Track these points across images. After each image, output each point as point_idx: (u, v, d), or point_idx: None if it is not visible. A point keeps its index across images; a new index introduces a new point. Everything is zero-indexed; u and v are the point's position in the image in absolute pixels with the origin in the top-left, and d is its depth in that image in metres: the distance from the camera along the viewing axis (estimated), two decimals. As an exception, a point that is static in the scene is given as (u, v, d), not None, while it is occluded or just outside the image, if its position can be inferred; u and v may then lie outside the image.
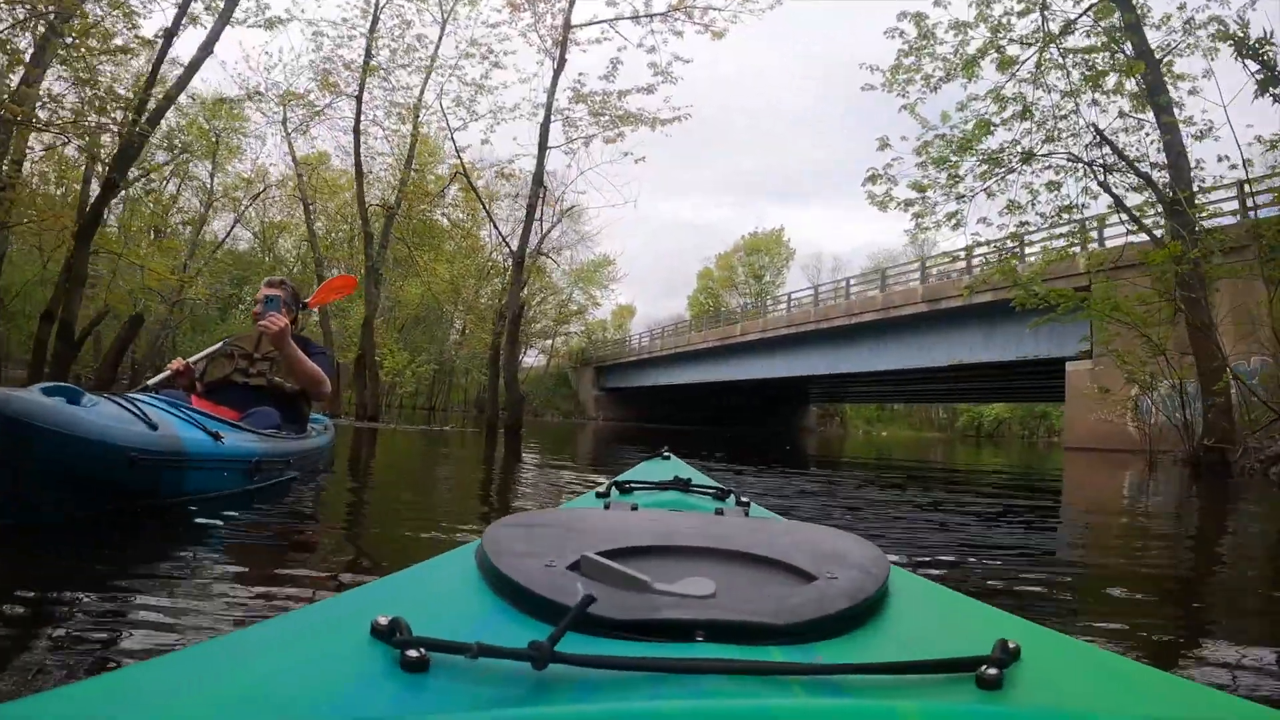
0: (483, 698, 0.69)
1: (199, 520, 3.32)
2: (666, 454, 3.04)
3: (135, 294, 38.11)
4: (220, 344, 5.21)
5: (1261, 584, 3.63)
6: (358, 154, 20.94)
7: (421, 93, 20.71)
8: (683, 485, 2.04)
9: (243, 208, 41.31)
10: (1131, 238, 15.77)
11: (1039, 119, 14.32)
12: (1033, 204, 14.91)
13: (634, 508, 1.59)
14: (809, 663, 0.76)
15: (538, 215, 20.19)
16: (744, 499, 1.84)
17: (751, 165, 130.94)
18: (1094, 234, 17.16)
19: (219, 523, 3.32)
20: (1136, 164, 13.71)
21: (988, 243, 15.95)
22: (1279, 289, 13.17)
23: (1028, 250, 16.68)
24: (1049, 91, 14.44)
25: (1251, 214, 14.88)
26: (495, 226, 22.70)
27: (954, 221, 15.11)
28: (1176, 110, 13.57)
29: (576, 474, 7.63)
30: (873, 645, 0.88)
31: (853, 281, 36.51)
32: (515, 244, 19.90)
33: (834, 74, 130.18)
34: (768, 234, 74.02)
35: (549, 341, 62.60)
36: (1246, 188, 15.24)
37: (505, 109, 20.06)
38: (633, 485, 2.05)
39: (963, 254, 16.65)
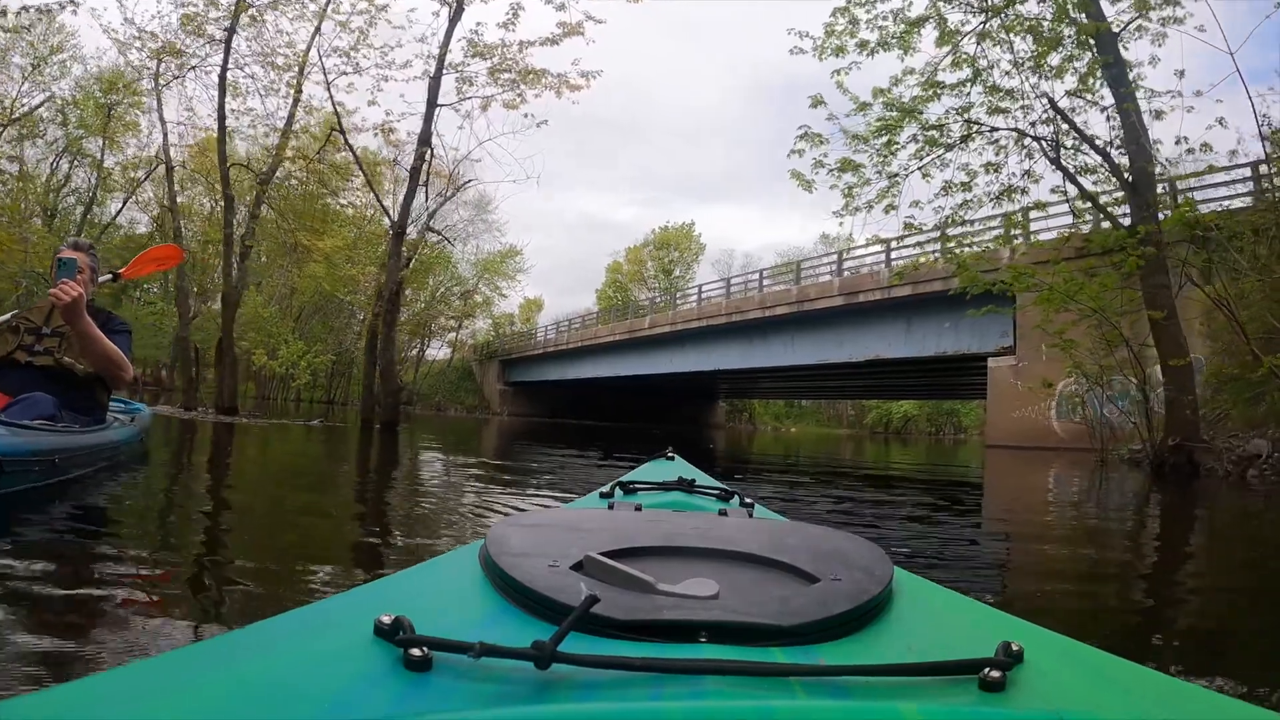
0: (485, 697, 0.70)
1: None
2: (671, 455, 2.99)
3: (16, 276, 36.01)
4: (8, 315, 4.67)
5: (1265, 589, 3.68)
6: (221, 104, 18.50)
7: (308, 49, 18.61)
8: (686, 486, 2.03)
9: (134, 187, 38.46)
10: (1080, 225, 14.76)
11: (987, 86, 13.19)
12: (969, 186, 13.83)
13: (638, 508, 1.62)
14: (811, 664, 0.77)
15: (422, 180, 18.23)
16: (748, 500, 1.83)
17: (661, 166, 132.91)
18: (1018, 228, 16.02)
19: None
20: (1094, 140, 12.70)
21: (922, 228, 14.67)
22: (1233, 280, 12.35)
23: (969, 235, 15.51)
24: (992, 66, 13.38)
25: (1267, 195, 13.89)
26: (374, 191, 20.19)
27: (886, 202, 13.92)
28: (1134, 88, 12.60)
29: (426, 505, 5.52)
30: (876, 647, 0.88)
31: (766, 274, 35.50)
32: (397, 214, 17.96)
33: (745, 79, 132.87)
34: (678, 228, 73.35)
35: (453, 335, 61.23)
36: (1264, 168, 14.32)
37: (395, 65, 17.96)
38: (636, 485, 2.06)
39: (895, 241, 15.14)
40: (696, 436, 25.85)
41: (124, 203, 40.58)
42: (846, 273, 28.55)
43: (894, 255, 25.43)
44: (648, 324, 40.69)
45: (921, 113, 13.43)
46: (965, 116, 13.44)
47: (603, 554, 1.02)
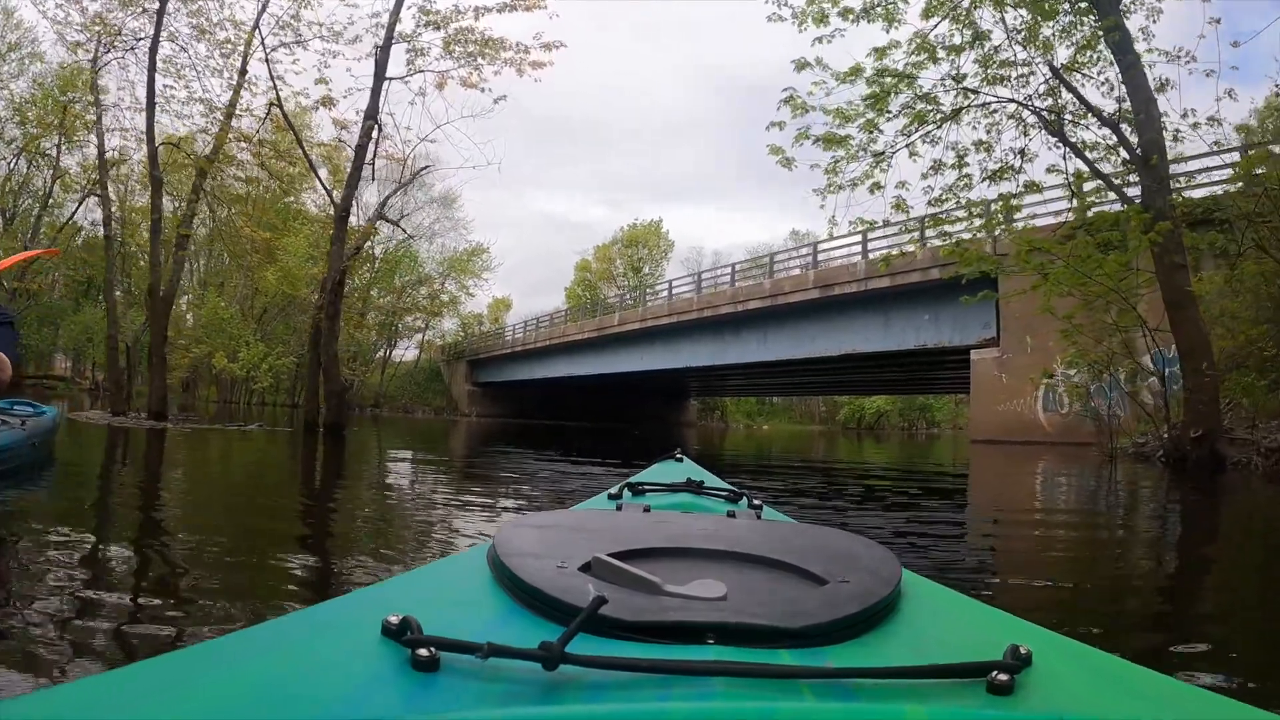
0: (493, 698, 0.70)
1: None
2: (679, 456, 2.88)
3: None
4: None
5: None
6: (151, 79, 17.15)
7: (256, 24, 17.32)
8: (695, 487, 2.03)
9: (86, 189, 36.99)
10: (1077, 206, 13.74)
11: (982, 54, 12.28)
12: (960, 164, 12.94)
13: (646, 509, 1.62)
14: (819, 666, 0.78)
15: (369, 159, 16.81)
16: (756, 502, 1.82)
17: (626, 168, 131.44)
18: (1014, 210, 14.94)
19: None
20: (1100, 112, 11.82)
21: (910, 209, 13.66)
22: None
23: (961, 215, 14.52)
24: (989, 33, 12.44)
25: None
26: (315, 173, 18.82)
27: (871, 181, 12.99)
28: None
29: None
30: (883, 649, 0.88)
31: (738, 268, 34.46)
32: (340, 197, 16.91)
33: (707, 80, 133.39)
34: (646, 225, 72.47)
35: (421, 335, 60.35)
36: None
37: (343, 40, 16.78)
38: (645, 487, 2.06)
39: (879, 224, 14.12)
40: (668, 436, 25.42)
41: (79, 203, 39.21)
42: (821, 266, 27.72)
43: (871, 247, 24.77)
44: (617, 321, 39.82)
45: (915, 78, 12.49)
46: (961, 85, 12.51)
47: (610, 555, 1.02)
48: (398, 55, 16.19)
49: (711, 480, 2.25)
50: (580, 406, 47.88)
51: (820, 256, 28.11)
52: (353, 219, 18.84)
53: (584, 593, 0.88)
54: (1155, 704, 0.79)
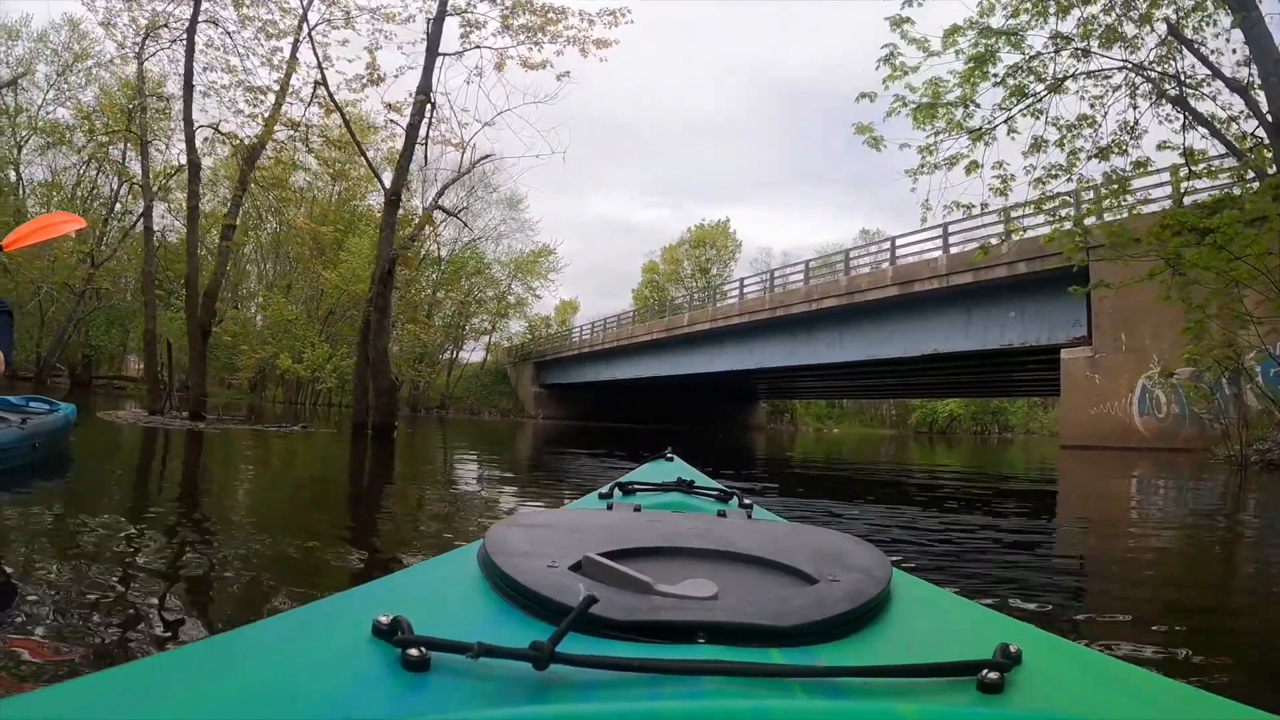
0: (484, 697, 0.70)
1: None
2: (670, 455, 2.88)
3: (37, 283, 35.62)
4: None
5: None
6: (189, 61, 16.75)
7: (304, 17, 16.90)
8: (685, 487, 2.03)
9: (152, 195, 37.38)
10: (1191, 182, 12.42)
11: (1085, 19, 11.12)
12: (1063, 143, 11.86)
13: (636, 509, 1.62)
14: (810, 665, 0.78)
15: (421, 138, 15.85)
16: (746, 501, 1.82)
17: (680, 169, 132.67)
18: (1124, 193, 13.51)
19: None
20: (1227, 77, 10.67)
21: (1009, 189, 12.47)
22: None
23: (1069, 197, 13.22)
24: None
25: None
26: (363, 155, 17.85)
27: (968, 160, 11.92)
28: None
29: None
30: (874, 648, 0.88)
31: (813, 265, 33.07)
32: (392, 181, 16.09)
33: (757, 84, 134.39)
34: (714, 226, 71.70)
35: (488, 337, 60.49)
36: None
37: (396, 19, 15.89)
38: (635, 486, 2.06)
39: (979, 207, 12.89)
40: (741, 440, 24.73)
41: (146, 207, 39.68)
42: (899, 263, 26.56)
43: (952, 240, 23.70)
44: (686, 321, 39.03)
45: (1022, 35, 11.35)
46: (1072, 45, 11.27)
47: (601, 554, 1.02)
48: (452, 31, 15.49)
49: (702, 480, 2.25)
50: (647, 409, 47.31)
51: (898, 253, 27.00)
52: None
53: (575, 592, 0.88)
54: (1145, 702, 0.79)
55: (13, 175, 41.49)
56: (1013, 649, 0.78)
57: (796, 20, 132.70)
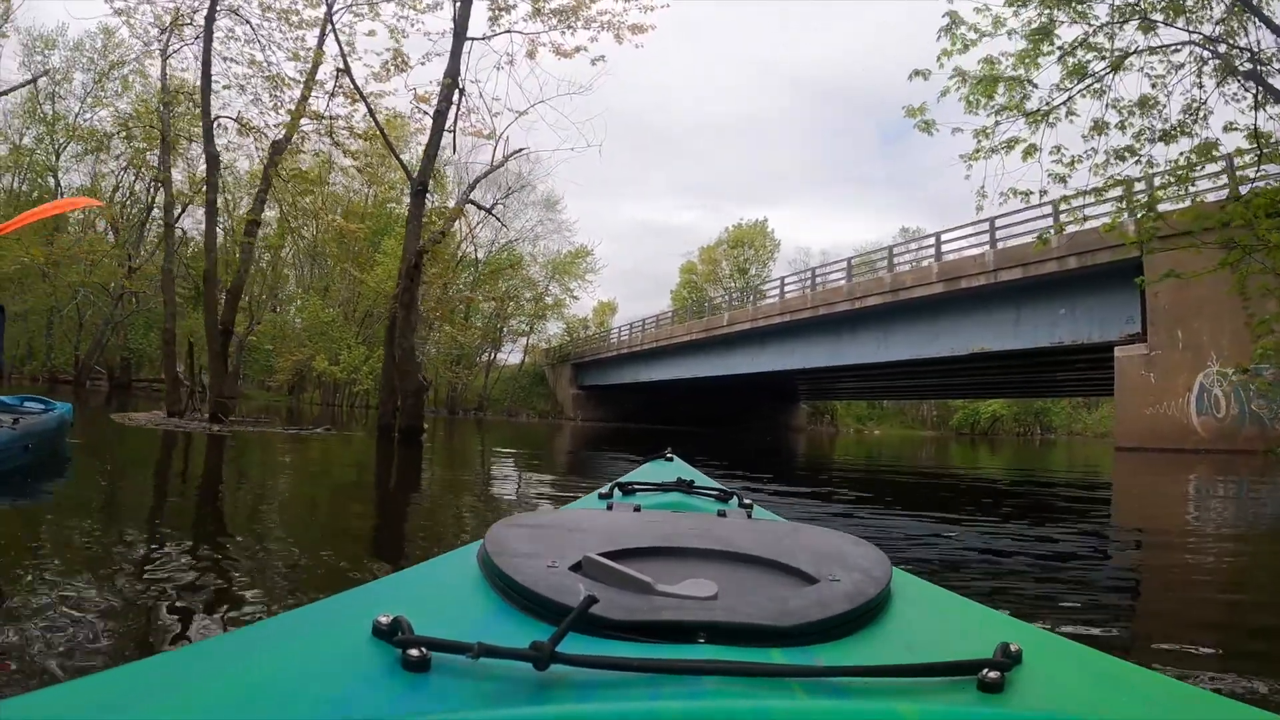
0: (484, 697, 0.70)
1: None
2: (670, 455, 2.84)
3: (75, 286, 36.03)
4: None
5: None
6: (207, 51, 16.43)
7: (328, 14, 16.47)
8: (685, 487, 2.02)
9: (188, 199, 37.56)
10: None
11: None
12: (1124, 126, 11.23)
13: (636, 509, 1.62)
14: (810, 665, 0.78)
15: (449, 126, 15.28)
16: (746, 501, 1.81)
17: (714, 171, 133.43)
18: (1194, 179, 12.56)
19: None
20: None
21: (1069, 175, 11.74)
22: None
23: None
24: None
25: None
26: (389, 145, 17.25)
27: (1025, 144, 11.26)
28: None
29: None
30: (874, 648, 0.88)
31: (855, 262, 32.31)
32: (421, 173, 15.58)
33: (791, 83, 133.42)
34: (751, 226, 71.07)
35: (525, 339, 60.28)
36: None
37: (420, 3, 15.33)
38: (635, 486, 2.04)
39: (1038, 195, 12.07)
40: (784, 441, 24.32)
41: (180, 211, 39.89)
42: (944, 259, 25.87)
43: (999, 235, 23.03)
44: (726, 321, 38.53)
45: (1089, 6, 10.64)
46: (1138, 15, 10.57)
47: (601, 555, 1.02)
48: (480, 15, 15.06)
49: (702, 480, 2.25)
50: (685, 410, 47.05)
51: (943, 249, 26.32)
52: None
53: (575, 592, 0.89)
54: (1146, 701, 0.79)
55: (51, 181, 42.07)
56: (1013, 648, 0.78)
57: (827, 18, 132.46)
